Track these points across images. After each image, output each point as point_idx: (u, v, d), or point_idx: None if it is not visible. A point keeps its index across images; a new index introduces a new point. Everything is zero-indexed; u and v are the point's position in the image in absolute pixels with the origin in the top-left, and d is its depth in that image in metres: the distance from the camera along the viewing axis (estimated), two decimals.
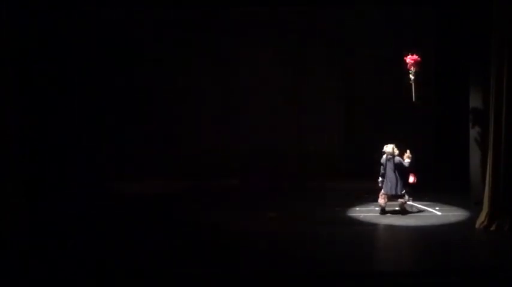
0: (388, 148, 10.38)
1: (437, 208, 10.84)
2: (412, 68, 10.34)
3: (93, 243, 8.10)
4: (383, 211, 10.38)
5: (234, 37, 13.02)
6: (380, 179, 10.34)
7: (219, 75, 13.01)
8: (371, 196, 10.82)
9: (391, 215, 10.33)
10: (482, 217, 9.26)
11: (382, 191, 10.31)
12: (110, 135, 11.93)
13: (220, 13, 12.86)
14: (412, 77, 10.36)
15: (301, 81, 13.25)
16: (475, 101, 11.08)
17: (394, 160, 10.29)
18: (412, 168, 10.36)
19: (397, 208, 10.47)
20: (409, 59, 10.37)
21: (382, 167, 10.35)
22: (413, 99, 10.42)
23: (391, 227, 9.68)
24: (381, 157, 10.40)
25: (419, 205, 11.02)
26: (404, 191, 10.30)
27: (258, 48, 13.07)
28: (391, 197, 10.36)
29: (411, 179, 10.38)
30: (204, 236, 8.67)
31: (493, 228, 9.00)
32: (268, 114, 13.11)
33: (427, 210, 10.78)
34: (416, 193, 10.77)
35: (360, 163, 12.18)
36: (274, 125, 13.07)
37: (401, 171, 10.26)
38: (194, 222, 9.45)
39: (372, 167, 10.64)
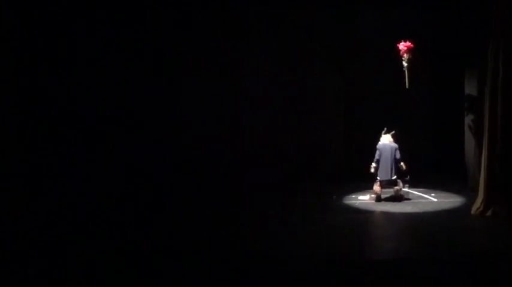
0: (385, 136, 10.46)
1: (432, 195, 10.94)
2: (405, 55, 10.35)
3: (94, 243, 8.10)
4: (378, 198, 10.42)
5: (233, 36, 13.06)
6: (374, 164, 10.36)
7: (218, 75, 13.03)
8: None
9: (387, 202, 10.36)
10: (477, 203, 9.32)
11: (378, 178, 10.34)
12: (110, 135, 11.93)
13: (221, 13, 12.88)
14: (405, 64, 10.38)
15: (299, 79, 13.29)
16: (470, 88, 11.12)
17: (391, 146, 10.34)
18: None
19: (392, 195, 10.53)
20: (402, 45, 10.38)
21: (377, 152, 10.36)
22: (407, 86, 10.46)
23: (387, 215, 9.75)
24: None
25: (415, 192, 11.07)
26: (396, 177, 10.33)
27: (257, 48, 13.11)
28: (386, 184, 10.40)
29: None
30: (201, 234, 8.67)
31: (488, 214, 9.07)
32: (268, 114, 13.15)
33: (423, 197, 10.84)
34: (412, 179, 10.80)
35: (359, 158, 12.24)
36: (273, 124, 13.11)
37: (395, 158, 10.31)
38: (192, 220, 9.45)
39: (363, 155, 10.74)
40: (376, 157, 10.35)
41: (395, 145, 10.36)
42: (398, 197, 10.47)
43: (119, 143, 11.75)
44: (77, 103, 11.33)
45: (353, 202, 10.61)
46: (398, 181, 10.40)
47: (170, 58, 12.76)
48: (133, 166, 11.86)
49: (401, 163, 10.34)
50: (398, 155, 10.28)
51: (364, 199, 10.68)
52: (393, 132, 10.56)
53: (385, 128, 10.60)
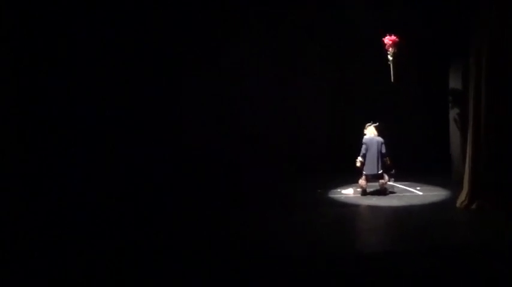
0: (370, 129, 10.47)
1: (418, 188, 11.01)
2: (390, 49, 10.36)
3: (94, 243, 8.10)
4: (364, 192, 10.46)
5: (233, 36, 13.07)
6: (360, 159, 10.37)
7: (218, 75, 13.04)
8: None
9: (372, 196, 10.42)
10: (462, 196, 9.37)
11: (364, 172, 10.37)
12: (110, 135, 11.94)
13: (221, 13, 12.90)
14: (390, 57, 10.40)
15: (298, 79, 13.31)
16: (454, 82, 11.15)
17: (377, 140, 10.36)
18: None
19: (378, 189, 10.59)
20: (387, 39, 10.39)
21: (364, 146, 10.38)
22: (392, 80, 10.48)
23: (372, 208, 9.79)
24: (362, 137, 10.52)
25: (400, 185, 11.10)
26: (382, 171, 10.36)
27: (257, 48, 13.13)
28: (372, 178, 10.44)
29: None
30: (201, 234, 8.67)
31: (473, 207, 9.10)
32: (268, 113, 13.17)
33: (408, 190, 10.87)
34: (397, 173, 10.84)
35: (347, 149, 12.29)
36: (273, 124, 13.13)
37: (381, 152, 10.33)
38: (192, 220, 9.45)
39: (351, 149, 10.74)
40: (363, 151, 10.38)
41: (381, 139, 10.41)
42: (383, 191, 10.52)
43: (119, 143, 11.76)
44: (77, 103, 11.34)
45: (338, 195, 10.68)
46: (384, 174, 10.45)
47: (170, 58, 12.76)
48: (133, 166, 11.86)
49: (386, 158, 10.38)
50: (384, 150, 10.34)
51: (347, 193, 10.73)
52: (377, 124, 10.57)
53: (371, 121, 10.62)
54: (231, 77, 13.05)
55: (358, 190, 10.65)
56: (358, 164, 10.41)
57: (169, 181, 11.90)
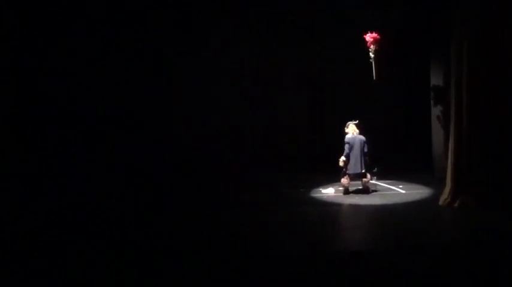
0: (351, 127, 10.43)
1: (400, 186, 10.99)
2: (371, 46, 10.35)
3: (94, 243, 8.09)
4: (346, 191, 10.45)
5: (233, 36, 13.08)
6: (343, 158, 10.34)
7: (217, 75, 13.05)
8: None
9: (355, 194, 10.43)
10: (445, 194, 9.37)
11: (347, 171, 10.35)
12: (110, 135, 11.94)
13: (221, 13, 12.91)
14: (372, 55, 10.38)
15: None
16: (436, 79, 11.14)
17: (359, 139, 10.35)
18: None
19: (360, 187, 10.57)
20: (369, 37, 10.37)
21: (347, 146, 10.35)
22: (374, 78, 10.46)
23: (355, 207, 9.75)
24: (344, 136, 10.48)
25: (383, 184, 11.09)
26: (365, 170, 10.35)
27: (257, 48, 13.14)
28: (355, 177, 10.42)
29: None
30: (201, 234, 8.67)
31: (456, 204, 9.08)
32: (268, 113, 13.17)
33: (391, 188, 10.86)
34: (379, 171, 10.86)
35: (325, 144, 12.28)
36: (273, 123, 13.13)
37: (363, 151, 10.32)
38: (192, 220, 9.46)
39: (335, 148, 10.71)
40: (346, 150, 10.36)
41: (363, 138, 10.40)
42: (366, 190, 10.51)
43: (119, 143, 11.75)
44: (77, 103, 11.33)
45: (320, 195, 10.67)
46: (367, 173, 10.45)
47: (170, 58, 12.77)
48: (133, 166, 11.86)
49: (367, 157, 10.38)
50: (366, 149, 10.33)
51: (328, 193, 10.71)
52: (357, 121, 10.55)
53: (354, 120, 10.60)
54: (231, 77, 13.06)
55: (340, 189, 10.64)
56: (341, 163, 10.38)
57: (169, 181, 11.90)
